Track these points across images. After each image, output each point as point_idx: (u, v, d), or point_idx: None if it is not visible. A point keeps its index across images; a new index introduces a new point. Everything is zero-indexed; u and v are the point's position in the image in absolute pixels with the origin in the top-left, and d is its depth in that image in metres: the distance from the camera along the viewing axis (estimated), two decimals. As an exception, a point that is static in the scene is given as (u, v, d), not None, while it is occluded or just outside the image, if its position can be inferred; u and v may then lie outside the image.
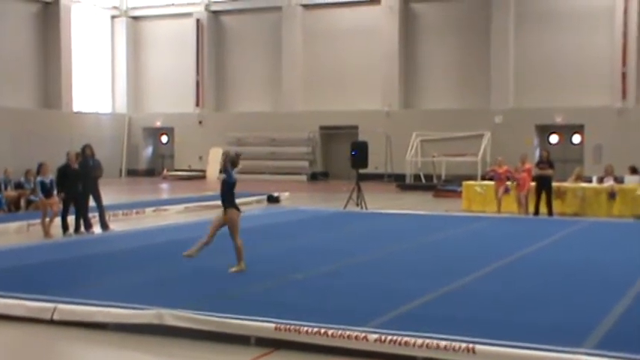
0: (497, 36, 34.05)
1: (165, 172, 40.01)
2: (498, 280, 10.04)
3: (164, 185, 34.92)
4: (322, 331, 7.08)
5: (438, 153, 33.66)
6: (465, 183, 22.97)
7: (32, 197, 19.60)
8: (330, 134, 37.60)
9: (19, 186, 20.66)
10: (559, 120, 33.14)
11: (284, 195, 25.27)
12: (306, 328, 7.14)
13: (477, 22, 34.79)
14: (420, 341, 6.76)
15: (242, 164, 10.94)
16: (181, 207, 21.50)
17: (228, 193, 10.36)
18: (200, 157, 39.55)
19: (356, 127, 35.70)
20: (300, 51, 38.25)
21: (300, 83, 38.21)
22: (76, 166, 15.85)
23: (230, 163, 10.36)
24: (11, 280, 9.83)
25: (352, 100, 36.91)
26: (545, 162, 19.42)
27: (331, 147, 37.88)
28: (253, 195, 24.69)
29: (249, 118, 38.84)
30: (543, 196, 19.16)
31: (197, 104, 40.36)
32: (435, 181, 31.90)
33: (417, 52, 36.28)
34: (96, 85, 41.31)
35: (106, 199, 17.22)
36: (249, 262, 10.35)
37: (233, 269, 10.26)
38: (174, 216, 20.05)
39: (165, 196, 28.71)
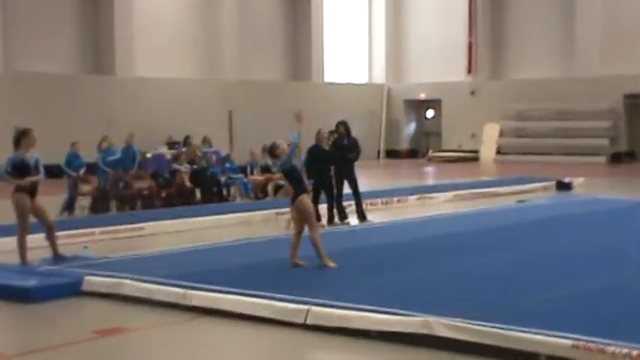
0: None
1: (430, 152, 40.32)
2: None
3: (429, 168, 35.19)
4: (634, 353, 6.69)
5: None
6: None
7: (281, 182, 20.23)
8: (638, 104, 36.01)
9: (266, 169, 21.45)
10: None
11: (577, 181, 24.59)
12: (612, 349, 6.77)
13: None
14: None
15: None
16: (450, 194, 21.55)
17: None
18: (472, 135, 39.42)
19: (672, 96, 33.98)
20: (599, 3, 36.86)
21: (597, 42, 36.83)
22: (327, 146, 16.12)
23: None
24: (256, 276, 10.24)
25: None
26: None
27: (639, 120, 36.29)
28: (539, 180, 24.46)
29: (533, 87, 38.10)
30: None
31: (469, 71, 40.22)
32: None
33: None
34: (351, 53, 42.42)
35: (363, 185, 17.57)
36: (534, 260, 10.03)
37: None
38: (441, 205, 20.13)
39: (430, 181, 28.91)
